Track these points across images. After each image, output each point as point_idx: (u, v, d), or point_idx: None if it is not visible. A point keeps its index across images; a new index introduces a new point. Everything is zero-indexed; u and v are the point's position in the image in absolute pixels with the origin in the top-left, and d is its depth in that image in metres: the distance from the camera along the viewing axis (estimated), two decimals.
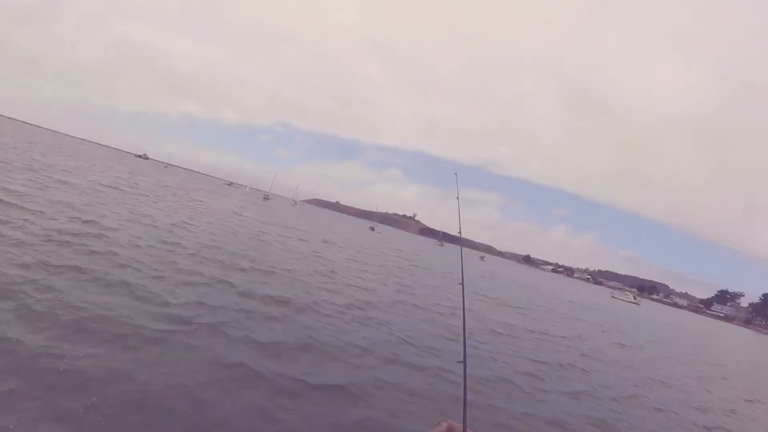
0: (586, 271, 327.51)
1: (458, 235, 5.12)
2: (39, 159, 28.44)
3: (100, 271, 8.16)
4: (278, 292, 10.39)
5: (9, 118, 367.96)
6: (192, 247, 13.07)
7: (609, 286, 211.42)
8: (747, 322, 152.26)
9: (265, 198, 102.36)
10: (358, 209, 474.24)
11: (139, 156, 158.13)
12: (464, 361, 3.61)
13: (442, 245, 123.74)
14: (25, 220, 10.38)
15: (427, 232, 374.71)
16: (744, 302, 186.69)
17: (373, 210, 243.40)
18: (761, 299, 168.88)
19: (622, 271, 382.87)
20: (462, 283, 4.56)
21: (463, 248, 5.28)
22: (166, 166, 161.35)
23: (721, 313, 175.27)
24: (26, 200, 12.73)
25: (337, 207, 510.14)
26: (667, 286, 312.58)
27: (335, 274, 15.96)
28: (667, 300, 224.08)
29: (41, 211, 11.77)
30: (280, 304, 9.44)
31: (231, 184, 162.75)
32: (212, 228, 19.55)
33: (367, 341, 8.46)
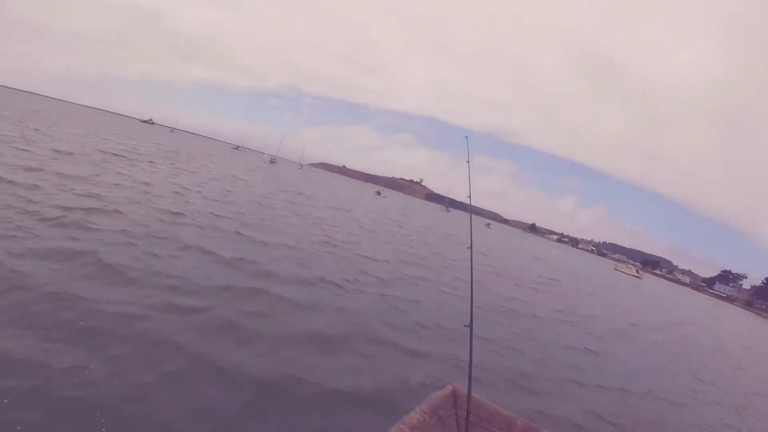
0: (591, 242, 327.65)
1: (464, 201, 5.10)
2: (42, 129, 27.39)
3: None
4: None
5: (13, 88, 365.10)
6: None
7: (613, 259, 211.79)
8: (748, 304, 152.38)
9: (272, 161, 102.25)
10: (365, 173, 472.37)
11: (145, 121, 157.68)
12: (470, 326, 3.66)
13: (449, 211, 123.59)
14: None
15: (433, 197, 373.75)
16: (746, 284, 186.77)
17: (380, 175, 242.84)
18: (764, 282, 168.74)
19: (628, 245, 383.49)
20: (470, 248, 4.57)
21: (471, 214, 5.25)
22: (171, 131, 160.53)
23: (723, 293, 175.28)
24: (17, 175, 11.30)
25: (343, 171, 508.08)
26: (670, 262, 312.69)
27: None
28: (670, 276, 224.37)
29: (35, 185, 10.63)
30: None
31: (237, 147, 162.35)
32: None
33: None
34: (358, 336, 6.61)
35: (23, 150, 15.86)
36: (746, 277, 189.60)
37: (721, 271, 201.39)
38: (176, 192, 15.67)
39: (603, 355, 10.00)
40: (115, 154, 22.91)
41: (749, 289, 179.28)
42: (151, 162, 23.75)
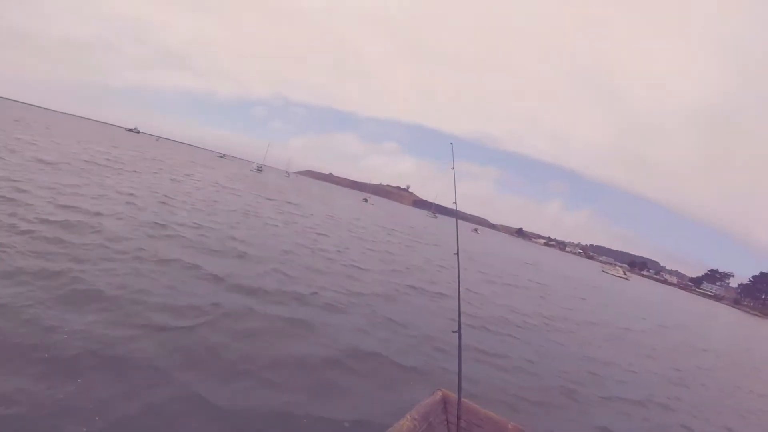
0: (578, 245, 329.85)
1: (451, 207, 5.13)
2: (23, 138, 26.66)
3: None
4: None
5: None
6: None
7: (600, 261, 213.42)
8: (735, 302, 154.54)
9: (258, 170, 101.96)
10: (351, 180, 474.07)
11: (130, 130, 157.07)
12: (459, 331, 3.66)
13: (436, 217, 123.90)
14: None
15: (420, 203, 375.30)
16: (733, 283, 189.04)
17: (367, 182, 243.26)
18: (751, 280, 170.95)
19: (615, 247, 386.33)
20: (457, 253, 4.60)
21: (457, 220, 5.27)
22: (157, 140, 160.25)
23: (710, 292, 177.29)
24: None
25: (330, 178, 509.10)
26: (657, 263, 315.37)
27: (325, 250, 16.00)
28: (657, 276, 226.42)
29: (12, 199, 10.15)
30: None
31: (224, 156, 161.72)
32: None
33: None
34: (350, 354, 6.34)
35: (1, 159, 15.50)
36: (733, 276, 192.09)
37: (708, 270, 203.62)
38: (160, 202, 15.28)
39: (604, 364, 9.87)
40: (98, 163, 22.45)
41: (736, 288, 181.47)
42: (134, 171, 23.22)
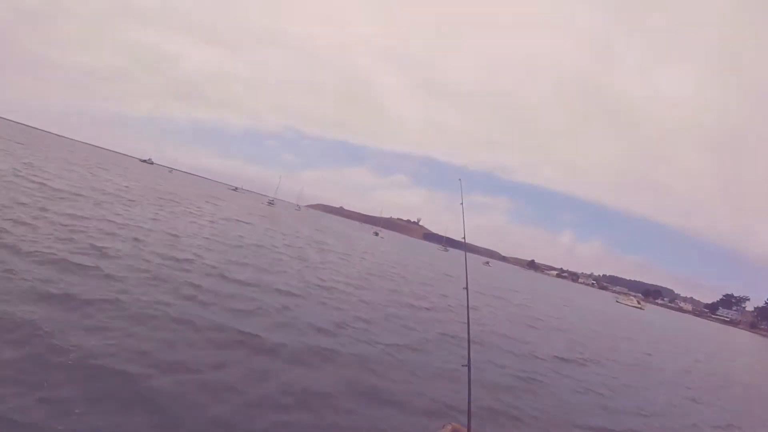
0: (591, 276, 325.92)
1: (462, 240, 5.28)
2: (35, 163, 27.21)
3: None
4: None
5: (14, 121, 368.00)
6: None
7: (614, 291, 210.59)
8: (752, 327, 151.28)
9: (270, 203, 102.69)
10: (362, 214, 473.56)
11: (144, 161, 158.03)
12: (468, 365, 3.74)
13: (447, 250, 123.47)
14: None
15: (431, 236, 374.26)
16: (749, 306, 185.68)
17: (377, 215, 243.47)
18: (767, 303, 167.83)
19: (628, 276, 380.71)
20: (466, 288, 4.71)
21: (467, 253, 5.41)
22: (170, 171, 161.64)
23: (726, 317, 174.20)
24: None
25: (340, 212, 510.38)
26: (671, 291, 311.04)
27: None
28: (672, 305, 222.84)
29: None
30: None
31: (236, 189, 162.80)
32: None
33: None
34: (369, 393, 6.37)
35: (12, 185, 15.68)
36: (749, 299, 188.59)
37: (723, 296, 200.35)
38: (173, 235, 15.40)
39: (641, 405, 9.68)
40: (111, 193, 22.83)
41: (752, 311, 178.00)
42: (149, 203, 23.80)
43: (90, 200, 17.99)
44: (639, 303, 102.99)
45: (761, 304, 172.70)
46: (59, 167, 30.51)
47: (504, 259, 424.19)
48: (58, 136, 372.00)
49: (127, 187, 29.91)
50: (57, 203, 14.89)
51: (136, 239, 12.62)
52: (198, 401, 4.82)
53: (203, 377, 5.48)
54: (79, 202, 16.84)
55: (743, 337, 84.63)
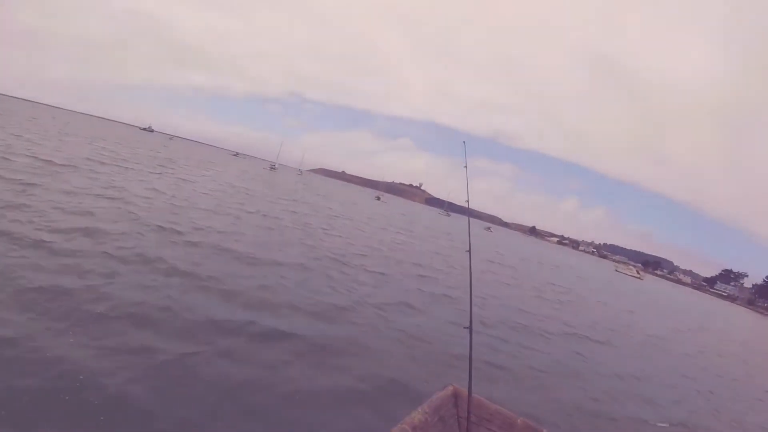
0: (591, 244, 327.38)
1: (464, 205, 5.20)
2: (34, 139, 26.79)
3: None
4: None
5: (12, 96, 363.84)
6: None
7: (613, 260, 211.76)
8: (749, 303, 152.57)
9: (272, 168, 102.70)
10: (364, 178, 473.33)
11: (144, 129, 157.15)
12: (470, 327, 3.75)
13: (449, 215, 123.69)
14: None
15: (433, 201, 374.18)
16: (748, 283, 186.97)
17: (379, 180, 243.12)
18: (765, 281, 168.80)
19: (629, 246, 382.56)
20: (469, 251, 4.66)
21: (469, 218, 5.34)
22: (171, 138, 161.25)
23: (724, 292, 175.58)
24: None
25: (342, 176, 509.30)
26: (671, 263, 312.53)
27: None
28: (671, 276, 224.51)
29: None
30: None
31: (237, 154, 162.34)
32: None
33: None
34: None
35: (8, 160, 15.20)
36: (747, 276, 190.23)
37: (722, 270, 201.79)
38: (172, 204, 14.88)
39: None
40: (106, 163, 22.20)
41: (750, 288, 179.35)
42: (150, 171, 23.39)
43: (83, 171, 17.27)
44: (638, 273, 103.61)
45: (760, 281, 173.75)
46: (52, 139, 30.05)
47: (506, 225, 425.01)
48: (58, 108, 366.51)
49: (124, 158, 29.47)
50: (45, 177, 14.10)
51: (130, 212, 11.61)
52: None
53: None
54: (74, 173, 16.26)
55: (741, 313, 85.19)
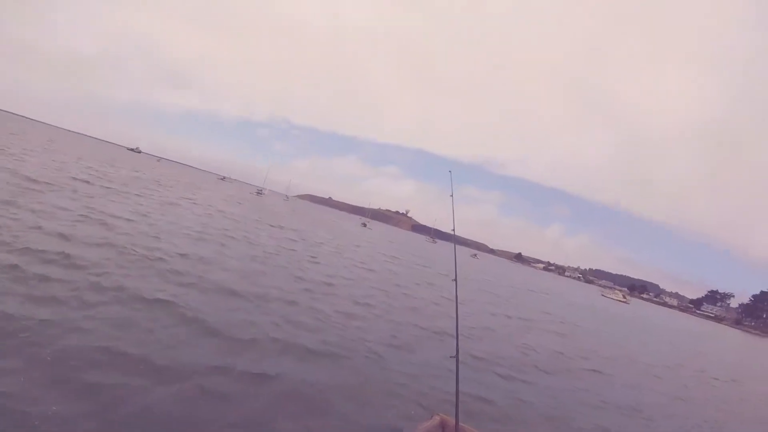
0: (577, 269, 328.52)
1: (450, 232, 5.25)
2: (17, 154, 26.43)
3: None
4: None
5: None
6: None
7: (600, 285, 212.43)
8: (736, 323, 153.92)
9: (259, 193, 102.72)
10: (351, 205, 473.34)
11: (132, 149, 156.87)
12: (456, 356, 3.75)
13: (435, 242, 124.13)
14: None
15: (419, 228, 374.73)
16: (734, 303, 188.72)
17: (366, 206, 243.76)
18: (751, 300, 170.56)
19: (615, 271, 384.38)
20: (455, 280, 4.69)
21: (456, 245, 5.38)
22: (158, 160, 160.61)
23: (711, 313, 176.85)
24: None
25: (329, 202, 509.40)
26: (657, 286, 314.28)
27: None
28: (657, 299, 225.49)
29: None
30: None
31: (224, 178, 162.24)
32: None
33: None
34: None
35: None
36: (733, 296, 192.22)
37: (708, 292, 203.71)
38: (156, 229, 14.56)
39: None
40: (91, 183, 21.93)
41: (737, 308, 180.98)
42: (137, 195, 22.97)
43: (66, 191, 17.08)
44: (624, 297, 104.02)
45: (746, 301, 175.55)
46: (37, 156, 29.49)
47: (492, 251, 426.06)
48: (44, 123, 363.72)
49: (110, 179, 29.27)
50: (28, 195, 13.87)
51: (107, 240, 10.88)
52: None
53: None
54: (54, 193, 15.95)
55: (732, 334, 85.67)
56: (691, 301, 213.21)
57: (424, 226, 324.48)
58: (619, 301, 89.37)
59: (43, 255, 8.14)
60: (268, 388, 5.56)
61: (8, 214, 10.51)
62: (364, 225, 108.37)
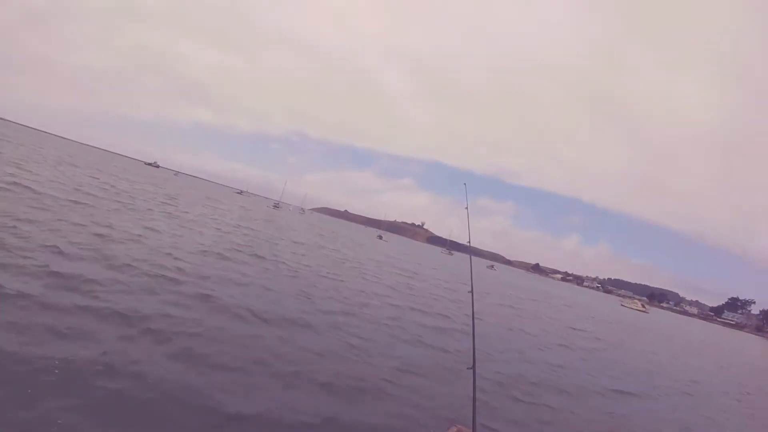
0: (596, 279, 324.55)
1: (466, 244, 5.33)
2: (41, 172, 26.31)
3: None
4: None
5: (20, 124, 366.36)
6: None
7: (619, 295, 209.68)
8: (758, 330, 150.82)
9: (276, 206, 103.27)
10: (366, 217, 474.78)
11: (150, 164, 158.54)
12: (473, 367, 3.80)
13: (451, 254, 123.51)
14: None
15: (435, 240, 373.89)
16: (755, 309, 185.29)
17: (381, 219, 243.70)
18: None
19: (634, 280, 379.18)
20: (471, 291, 4.76)
21: (471, 257, 5.46)
22: (175, 174, 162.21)
23: (732, 320, 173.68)
24: None
25: (345, 215, 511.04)
26: (677, 294, 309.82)
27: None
28: (677, 308, 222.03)
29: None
30: None
31: (241, 192, 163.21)
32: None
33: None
34: None
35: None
36: (754, 303, 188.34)
37: (729, 299, 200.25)
38: (167, 253, 12.74)
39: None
40: (109, 198, 21.89)
41: (758, 315, 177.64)
42: (152, 208, 22.76)
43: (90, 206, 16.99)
44: (643, 307, 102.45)
45: (767, 307, 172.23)
46: (53, 170, 28.94)
47: (509, 262, 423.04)
48: (62, 138, 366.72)
49: (132, 195, 29.57)
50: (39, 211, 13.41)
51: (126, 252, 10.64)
52: None
53: None
54: (74, 207, 15.98)
55: (754, 341, 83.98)
56: (712, 309, 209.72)
57: (440, 238, 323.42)
58: (638, 310, 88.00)
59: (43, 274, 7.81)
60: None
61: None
62: (380, 237, 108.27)
